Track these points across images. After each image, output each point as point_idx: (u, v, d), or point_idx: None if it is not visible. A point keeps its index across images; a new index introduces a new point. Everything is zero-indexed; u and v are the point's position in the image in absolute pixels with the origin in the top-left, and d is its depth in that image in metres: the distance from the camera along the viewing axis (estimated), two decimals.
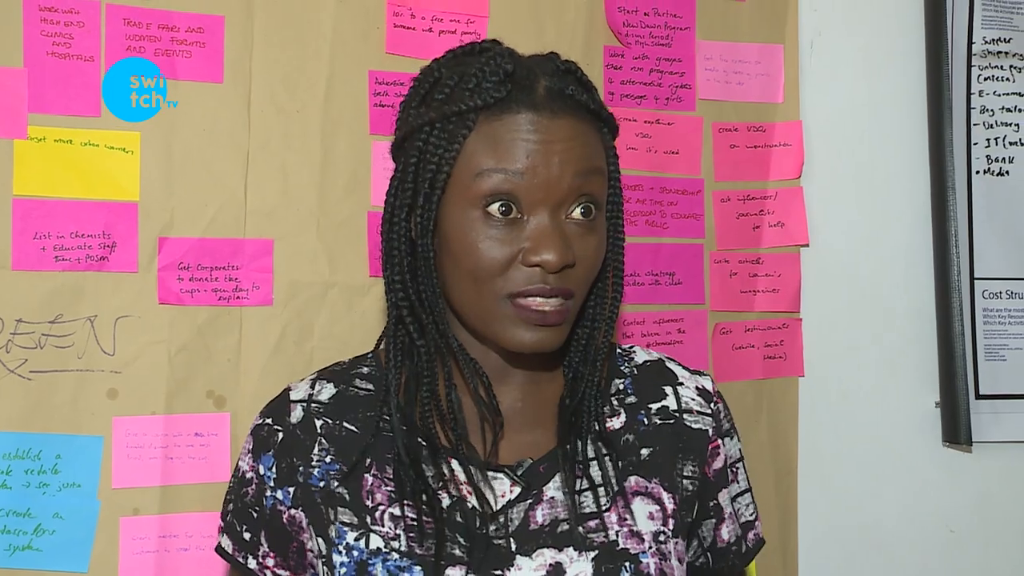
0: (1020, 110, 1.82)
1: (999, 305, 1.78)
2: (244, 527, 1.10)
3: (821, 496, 1.69)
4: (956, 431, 1.71)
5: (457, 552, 0.99)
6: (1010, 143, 1.81)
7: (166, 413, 1.42)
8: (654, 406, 1.12)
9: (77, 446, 1.39)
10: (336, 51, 1.50)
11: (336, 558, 1.01)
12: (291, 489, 1.06)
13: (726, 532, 1.15)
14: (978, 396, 1.76)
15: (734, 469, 1.17)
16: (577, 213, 0.99)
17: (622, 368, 1.14)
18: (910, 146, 1.76)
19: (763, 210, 1.68)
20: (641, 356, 1.16)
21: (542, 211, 0.97)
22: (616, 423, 1.10)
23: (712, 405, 1.14)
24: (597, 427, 1.07)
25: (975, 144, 1.79)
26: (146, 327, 1.42)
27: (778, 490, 1.67)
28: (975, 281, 1.78)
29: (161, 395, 1.42)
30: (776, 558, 1.68)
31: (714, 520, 1.15)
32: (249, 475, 1.10)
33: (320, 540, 1.04)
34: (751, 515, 1.20)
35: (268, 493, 1.07)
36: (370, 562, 0.99)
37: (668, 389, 1.13)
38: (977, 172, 1.79)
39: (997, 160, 1.80)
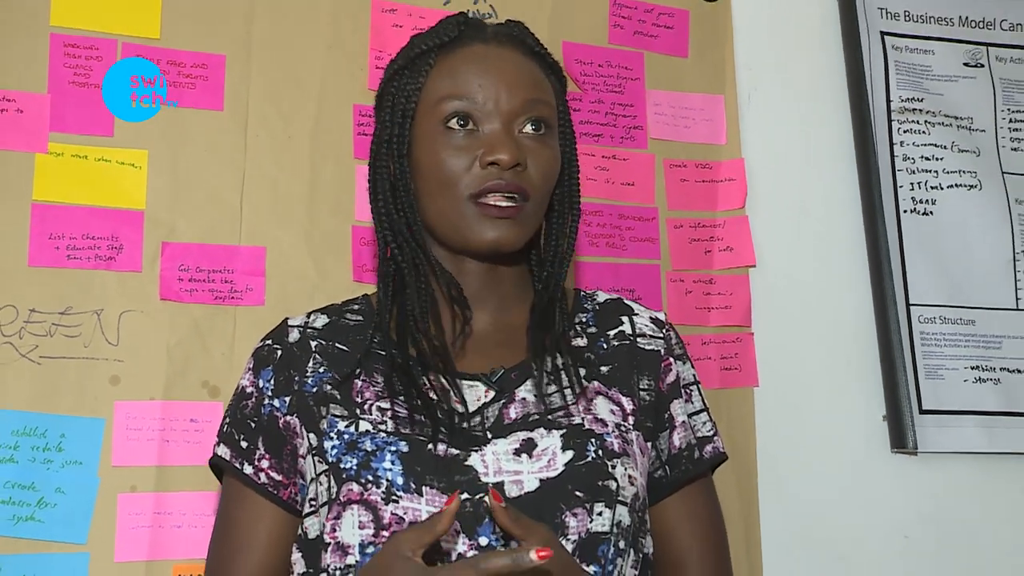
0: (937, 159, 2.04)
1: (934, 329, 1.95)
2: (241, 436, 1.21)
3: (781, 502, 1.80)
4: (903, 439, 1.85)
5: (439, 436, 1.11)
6: (931, 187, 2.03)
7: (164, 399, 1.55)
8: (612, 332, 1.25)
9: (80, 426, 1.51)
10: (324, 87, 1.71)
11: (327, 443, 1.12)
12: (287, 398, 1.18)
13: (678, 439, 1.24)
14: (922, 411, 1.90)
15: (688, 390, 1.27)
16: (528, 128, 1.17)
17: (585, 305, 1.28)
18: (842, 184, 1.96)
19: (713, 236, 1.88)
20: (602, 296, 1.30)
21: (495, 122, 1.15)
22: (579, 343, 1.23)
23: (664, 331, 1.27)
24: (561, 345, 1.20)
25: (901, 187, 2.01)
26: (148, 321, 1.57)
27: (740, 497, 1.79)
28: (911, 307, 1.95)
29: (160, 383, 1.55)
30: (742, 566, 1.78)
31: (668, 430, 1.24)
32: (249, 390, 1.22)
33: (311, 435, 1.15)
34: (709, 431, 1.28)
35: (266, 402, 1.19)
36: (359, 440, 1.11)
37: (624, 318, 1.27)
38: (905, 211, 2.00)
39: (921, 201, 2.02)
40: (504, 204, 1.15)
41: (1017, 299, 2.01)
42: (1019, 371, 1.97)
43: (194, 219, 1.62)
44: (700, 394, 1.30)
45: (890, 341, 1.91)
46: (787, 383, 1.86)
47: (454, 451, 1.10)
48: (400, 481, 1.08)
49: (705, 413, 1.29)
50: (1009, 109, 2.11)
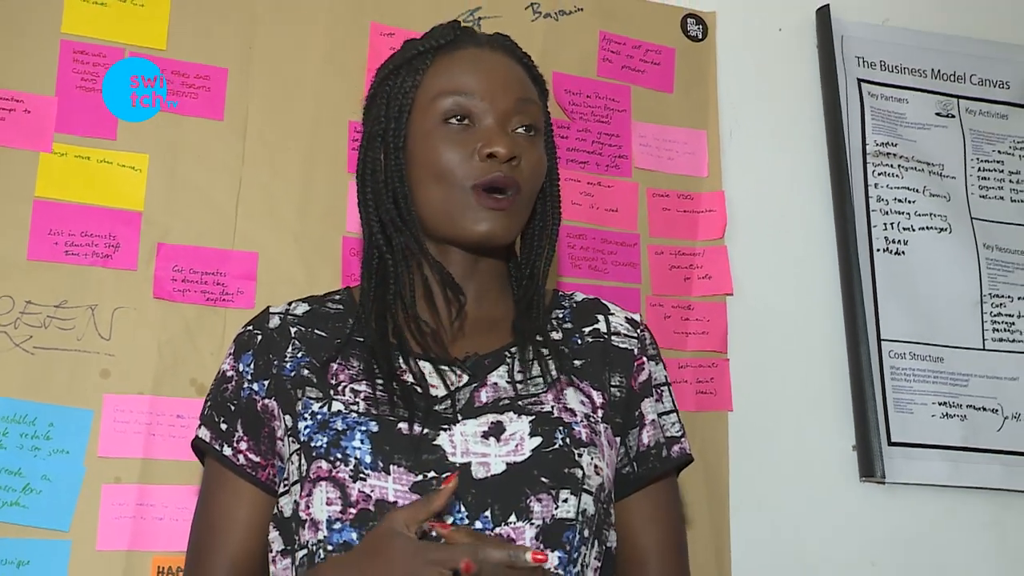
0: (910, 201, 2.11)
1: (904, 364, 2.01)
2: (222, 419, 1.24)
3: (752, 524, 1.84)
4: (872, 469, 1.90)
5: (410, 416, 1.14)
6: (903, 228, 2.09)
7: (152, 394, 1.58)
8: (587, 329, 1.29)
9: (69, 417, 1.54)
10: (321, 103, 1.77)
11: (300, 424, 1.16)
12: (266, 382, 1.22)
13: (647, 437, 1.27)
14: (890, 443, 1.95)
15: (659, 390, 1.30)
16: (520, 129, 1.23)
17: (562, 303, 1.33)
18: (819, 221, 2.02)
19: (692, 264, 1.93)
20: (580, 297, 1.35)
21: (490, 119, 1.21)
22: (554, 336, 1.27)
23: (638, 331, 1.31)
24: (540, 337, 1.24)
25: (874, 227, 2.07)
26: (140, 318, 1.60)
27: (712, 517, 1.81)
28: (882, 341, 2.01)
29: (149, 378, 1.59)
30: None
31: (638, 427, 1.27)
32: (230, 374, 1.25)
33: (287, 417, 1.18)
34: (677, 432, 1.31)
35: (245, 386, 1.23)
36: (331, 420, 1.14)
37: (600, 317, 1.31)
38: (878, 250, 2.06)
39: (894, 242, 2.08)
40: (499, 197, 1.20)
41: (984, 340, 2.07)
42: (984, 408, 2.02)
43: (190, 222, 1.67)
44: (671, 395, 1.33)
45: (861, 374, 1.96)
46: (760, 409, 1.91)
47: (423, 431, 1.13)
48: (368, 460, 1.11)
49: (675, 414, 1.33)
50: (978, 159, 2.19)
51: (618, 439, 1.25)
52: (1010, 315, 2.09)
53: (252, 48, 1.76)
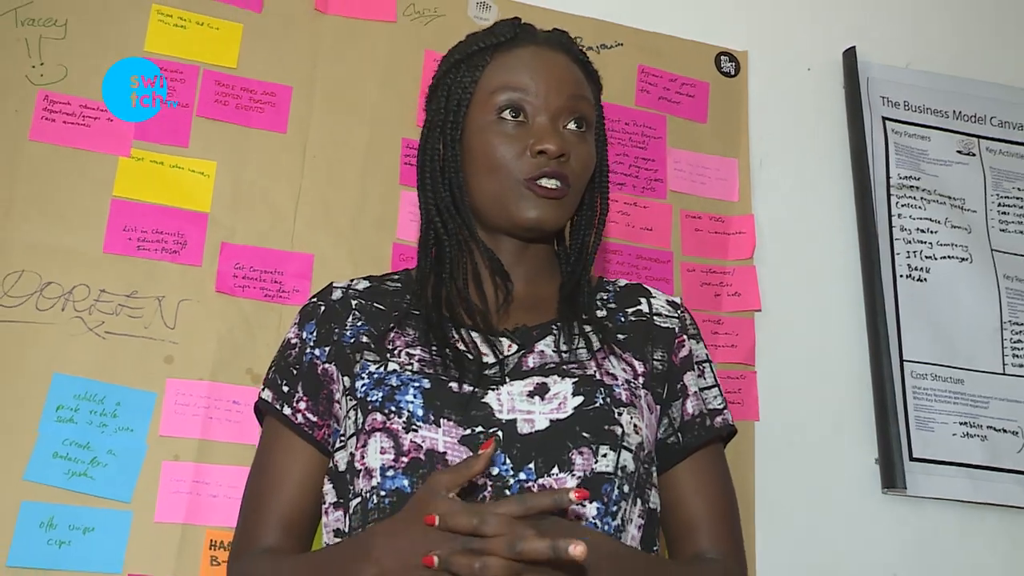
0: (932, 231, 2.14)
1: (926, 385, 2.02)
2: (284, 382, 1.28)
3: (776, 532, 1.85)
4: (894, 481, 1.90)
5: (460, 377, 1.18)
6: (925, 257, 2.12)
7: (211, 381, 1.64)
8: (630, 310, 1.31)
9: (134, 397, 1.60)
10: (377, 121, 1.85)
11: (358, 383, 1.19)
12: (327, 348, 1.26)
13: (691, 407, 1.27)
14: (912, 458, 1.96)
15: (701, 367, 1.31)
16: (572, 125, 1.26)
17: (607, 287, 1.35)
18: (844, 246, 2.06)
19: (723, 282, 1.97)
20: (623, 282, 1.36)
21: (543, 116, 1.25)
22: (599, 314, 1.30)
23: (679, 312, 1.32)
24: (583, 313, 1.27)
25: (898, 254, 2.11)
26: (203, 310, 1.67)
27: None
28: (904, 362, 2.03)
29: (208, 366, 1.65)
30: None
31: (680, 399, 1.27)
32: (294, 341, 1.30)
33: (345, 378, 1.22)
34: (720, 405, 1.30)
35: (308, 351, 1.27)
36: (387, 378, 1.18)
37: (642, 299, 1.32)
38: (901, 276, 2.09)
39: (917, 269, 2.11)
40: (551, 186, 1.23)
41: (1004, 365, 2.08)
42: (1004, 430, 2.03)
43: (252, 224, 1.74)
44: (712, 372, 1.33)
45: (884, 391, 1.97)
46: (786, 420, 1.92)
47: (472, 389, 1.17)
48: (420, 413, 1.14)
49: (717, 388, 1.33)
50: (998, 195, 2.22)
51: (659, 407, 1.26)
52: None
53: (315, 69, 1.84)
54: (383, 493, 1.13)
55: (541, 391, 1.17)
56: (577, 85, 1.30)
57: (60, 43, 1.74)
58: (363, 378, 1.20)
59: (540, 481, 1.12)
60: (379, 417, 1.16)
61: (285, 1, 1.86)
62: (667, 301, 1.34)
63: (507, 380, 1.19)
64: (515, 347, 1.23)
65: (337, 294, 1.32)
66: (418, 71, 1.91)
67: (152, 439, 1.59)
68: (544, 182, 1.23)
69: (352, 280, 1.35)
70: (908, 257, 2.11)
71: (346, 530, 1.17)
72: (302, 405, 1.27)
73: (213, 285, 1.69)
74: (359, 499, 1.16)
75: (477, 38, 1.32)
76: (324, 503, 1.22)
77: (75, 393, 1.58)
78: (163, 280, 1.67)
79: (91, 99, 1.72)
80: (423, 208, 1.33)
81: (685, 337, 1.31)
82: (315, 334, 1.29)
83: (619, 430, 1.16)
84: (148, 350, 1.64)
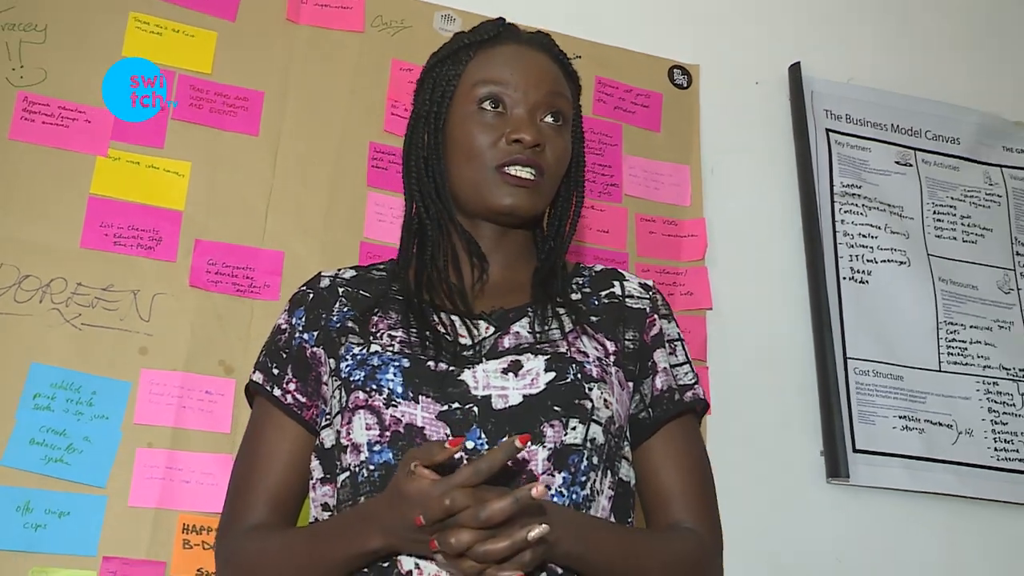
0: (873, 237, 2.21)
1: (868, 381, 2.09)
2: (274, 365, 1.30)
3: (726, 518, 1.90)
4: (838, 471, 1.96)
5: (439, 356, 1.21)
6: (867, 260, 2.19)
7: (184, 371, 1.66)
8: (603, 293, 1.34)
9: (110, 387, 1.62)
10: (345, 124, 1.88)
11: (343, 364, 1.22)
12: (315, 332, 1.29)
13: (660, 382, 1.30)
14: (855, 450, 2.02)
15: (673, 344, 1.34)
16: (548, 118, 1.30)
17: (583, 272, 1.39)
18: (791, 249, 2.13)
19: (675, 282, 2.02)
20: (599, 267, 1.40)
21: (521, 108, 1.29)
22: (573, 297, 1.33)
23: (650, 293, 1.35)
24: (557, 295, 1.30)
25: (841, 257, 2.17)
26: (176, 304, 1.69)
27: None
28: (848, 360, 2.09)
29: (182, 357, 1.67)
30: None
31: (651, 375, 1.30)
32: (284, 326, 1.33)
33: (332, 360, 1.25)
34: (691, 380, 1.33)
35: (297, 335, 1.30)
36: (369, 358, 1.21)
37: (616, 282, 1.36)
38: (844, 278, 2.16)
39: (859, 271, 2.18)
40: (524, 175, 1.27)
41: (940, 362, 2.15)
42: (940, 424, 2.10)
43: (225, 222, 1.77)
44: (684, 350, 1.36)
45: (828, 387, 2.04)
46: (736, 414, 1.98)
47: (449, 367, 1.20)
48: (399, 390, 1.17)
49: (688, 366, 1.35)
50: (933, 203, 2.30)
51: (631, 384, 1.28)
52: (963, 342, 2.18)
53: (287, 75, 1.88)
54: (372, 467, 1.16)
55: (515, 368, 1.20)
56: (555, 82, 1.34)
57: (40, 47, 1.76)
58: (347, 359, 1.24)
59: None
60: (361, 395, 1.19)
61: (258, 11, 1.90)
62: (639, 284, 1.38)
63: (483, 359, 1.22)
64: (492, 329, 1.26)
65: (325, 282, 1.35)
66: (385, 79, 1.95)
67: (127, 427, 1.61)
68: (516, 170, 1.27)
69: (340, 269, 1.39)
70: (851, 260, 2.18)
71: (335, 504, 1.20)
72: (291, 387, 1.29)
73: (187, 280, 1.72)
74: (348, 473, 1.18)
75: (463, 36, 1.37)
76: (311, 479, 1.24)
77: (52, 382, 1.59)
78: (138, 274, 1.70)
79: (70, 101, 1.75)
80: (407, 195, 1.37)
81: (656, 317, 1.34)
82: (304, 319, 1.32)
83: (589, 404, 1.19)
84: (123, 341, 1.66)
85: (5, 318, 1.61)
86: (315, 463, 1.25)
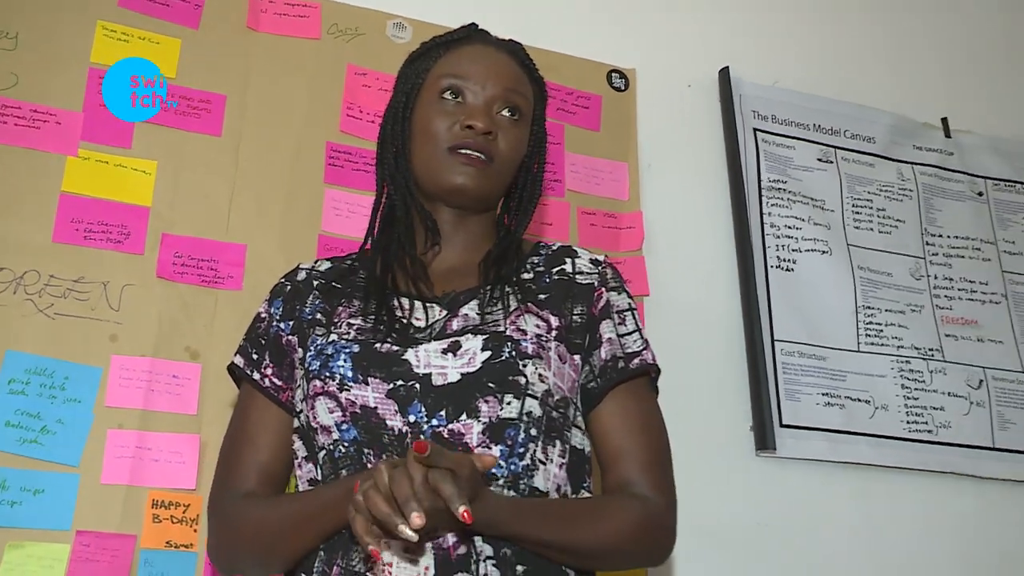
0: (797, 228, 2.30)
1: (794, 361, 2.18)
2: (253, 351, 1.36)
3: None
4: (765, 443, 2.05)
5: (387, 338, 1.26)
6: (792, 250, 2.28)
7: (152, 357, 1.71)
8: (555, 270, 1.36)
9: (82, 372, 1.66)
10: (303, 126, 1.93)
11: (307, 355, 1.28)
12: (290, 322, 1.35)
13: (604, 352, 1.31)
14: (782, 425, 2.11)
15: (622, 315, 1.35)
16: (505, 112, 1.35)
17: (540, 251, 1.42)
18: (722, 240, 2.22)
19: None
20: (557, 245, 1.41)
21: (479, 100, 1.34)
22: (526, 276, 1.37)
23: (600, 268, 1.37)
24: (513, 277, 1.33)
25: (768, 247, 2.26)
26: (145, 294, 1.74)
27: None
28: (775, 342, 2.18)
29: (150, 344, 1.71)
30: None
31: (598, 347, 1.32)
32: (263, 315, 1.38)
33: (301, 350, 1.31)
34: (639, 348, 1.34)
35: (274, 324, 1.36)
36: (325, 348, 1.26)
37: (568, 260, 1.38)
38: (772, 266, 2.25)
39: (785, 260, 2.27)
40: (473, 156, 1.32)
41: (859, 343, 2.25)
42: (859, 400, 2.19)
43: (190, 217, 1.81)
44: (635, 320, 1.37)
45: (757, 367, 2.12)
46: (671, 393, 2.01)
47: (394, 348, 1.25)
48: (349, 375, 1.23)
49: (637, 334, 1.36)
50: (852, 197, 2.39)
51: (577, 357, 1.30)
52: (879, 324, 2.28)
53: (248, 79, 1.93)
54: (345, 444, 1.22)
55: (454, 348, 1.25)
56: (515, 80, 1.38)
57: (11, 54, 1.80)
58: (311, 350, 1.29)
59: (450, 426, 1.19)
60: (318, 383, 1.24)
61: (220, 19, 1.95)
62: (590, 259, 1.39)
63: (429, 341, 1.26)
64: (444, 312, 1.30)
65: (302, 275, 1.41)
66: (340, 83, 2.00)
67: (98, 409, 1.65)
68: (465, 151, 1.32)
69: (316, 262, 1.43)
70: (777, 250, 2.27)
71: (319, 478, 1.25)
72: (269, 371, 1.35)
73: (154, 271, 1.76)
74: (324, 451, 1.24)
75: (437, 37, 1.42)
76: (296, 458, 1.29)
77: (26, 368, 1.63)
78: (108, 267, 1.74)
79: (40, 104, 1.78)
80: (378, 180, 1.43)
81: (604, 290, 1.36)
82: (281, 309, 1.37)
83: (523, 380, 1.22)
84: (94, 329, 1.70)
85: None
86: (298, 443, 1.29)
